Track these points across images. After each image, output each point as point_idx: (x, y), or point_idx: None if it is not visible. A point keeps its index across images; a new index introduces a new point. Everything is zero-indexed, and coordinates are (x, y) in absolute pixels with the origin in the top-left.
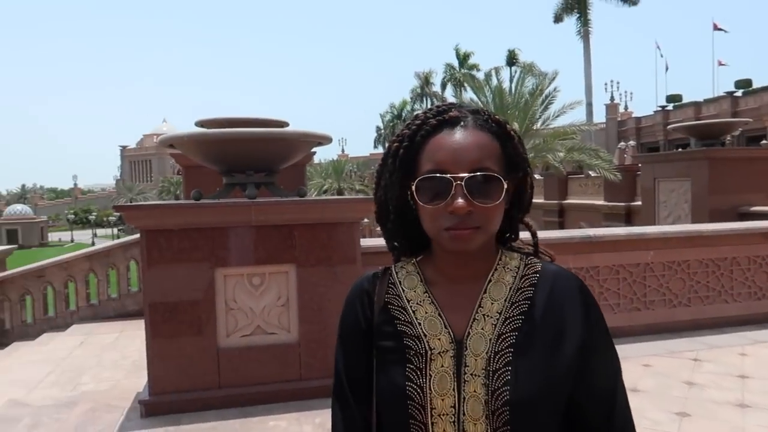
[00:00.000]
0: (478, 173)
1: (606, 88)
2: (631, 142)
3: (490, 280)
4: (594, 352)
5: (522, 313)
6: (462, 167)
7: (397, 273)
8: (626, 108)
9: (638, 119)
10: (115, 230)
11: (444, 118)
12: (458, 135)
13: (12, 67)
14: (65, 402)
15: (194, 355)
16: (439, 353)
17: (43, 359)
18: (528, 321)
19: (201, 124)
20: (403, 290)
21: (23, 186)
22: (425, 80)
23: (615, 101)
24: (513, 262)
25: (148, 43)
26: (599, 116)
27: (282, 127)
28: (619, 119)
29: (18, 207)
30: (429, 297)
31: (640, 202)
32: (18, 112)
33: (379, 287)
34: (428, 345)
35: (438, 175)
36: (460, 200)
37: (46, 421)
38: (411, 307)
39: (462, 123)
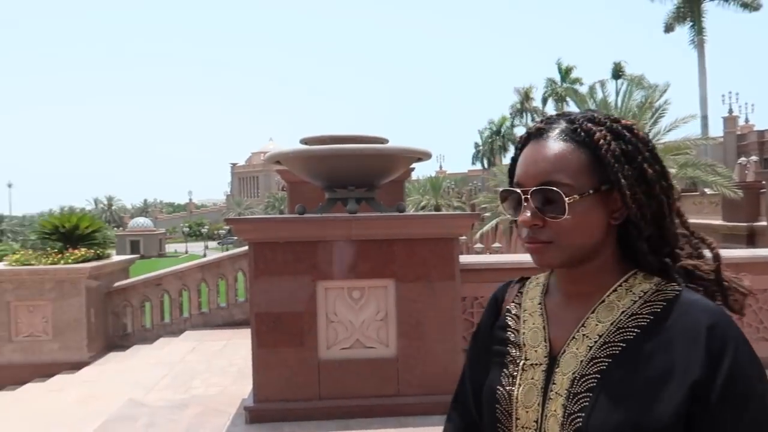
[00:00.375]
0: (541, 187)
1: (723, 100)
2: (753, 158)
3: (603, 301)
4: (723, 403)
5: (624, 341)
6: (532, 181)
7: (530, 282)
8: (747, 121)
9: (761, 132)
10: (214, 243)
11: (531, 131)
12: (535, 148)
13: (137, 95)
14: (178, 404)
15: (296, 365)
16: (532, 365)
17: (159, 362)
18: (629, 350)
19: (305, 141)
20: (524, 300)
21: (145, 201)
22: (525, 95)
23: (734, 113)
24: (643, 285)
25: (255, 65)
26: (716, 130)
27: (382, 143)
28: (738, 133)
29: (140, 220)
30: (541, 308)
31: (765, 222)
32: (141, 133)
33: (508, 294)
34: (525, 355)
35: (510, 189)
36: (527, 213)
37: (161, 421)
38: (523, 316)
39: (544, 135)
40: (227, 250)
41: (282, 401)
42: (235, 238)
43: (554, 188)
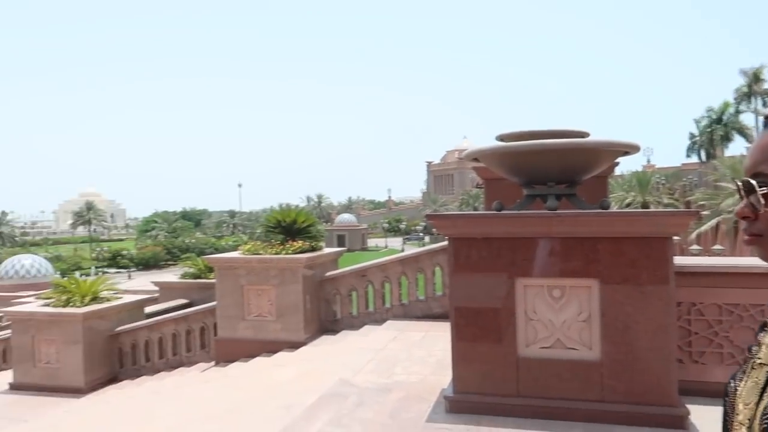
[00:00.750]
0: (745, 178)
1: None
2: None
3: None
4: None
5: None
6: (747, 172)
7: None
8: None
9: None
10: (409, 238)
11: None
12: (757, 138)
13: (342, 102)
14: (382, 387)
15: (494, 360)
16: (760, 363)
17: (364, 348)
18: None
19: (501, 138)
20: None
21: (349, 198)
22: (754, 77)
23: None
24: None
25: (449, 66)
26: None
27: (582, 137)
28: None
29: (345, 216)
30: None
31: None
32: (346, 135)
33: None
34: (759, 353)
35: (736, 180)
36: (740, 204)
37: (368, 402)
38: None
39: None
40: (422, 245)
41: (481, 394)
42: (422, 234)
43: (751, 180)
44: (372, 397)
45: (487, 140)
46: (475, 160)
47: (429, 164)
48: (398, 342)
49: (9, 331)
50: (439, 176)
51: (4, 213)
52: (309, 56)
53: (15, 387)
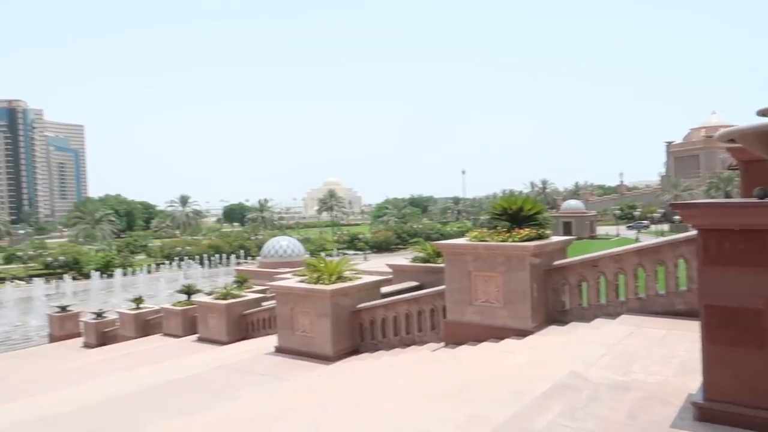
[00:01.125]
0: None
1: None
2: None
3: None
4: None
5: None
6: None
7: None
8: None
9: None
10: (634, 229)
11: None
12: None
13: (571, 84)
14: (618, 385)
15: (756, 369)
16: None
17: (596, 342)
18: None
19: (764, 113)
20: None
21: (576, 183)
22: None
23: None
24: None
25: (690, 34)
26: None
27: None
28: None
29: (572, 202)
30: None
31: None
32: (572, 117)
33: None
34: None
35: None
36: None
37: (603, 398)
38: None
39: None
40: (662, 234)
41: (738, 405)
42: (647, 223)
43: None
44: (607, 394)
45: (740, 115)
46: (731, 140)
47: (669, 144)
48: (635, 338)
49: (274, 301)
50: (680, 158)
51: (266, 200)
52: (534, 41)
53: (279, 350)
